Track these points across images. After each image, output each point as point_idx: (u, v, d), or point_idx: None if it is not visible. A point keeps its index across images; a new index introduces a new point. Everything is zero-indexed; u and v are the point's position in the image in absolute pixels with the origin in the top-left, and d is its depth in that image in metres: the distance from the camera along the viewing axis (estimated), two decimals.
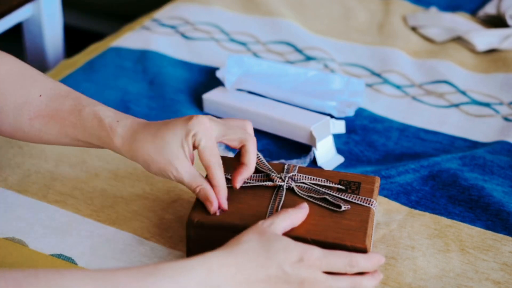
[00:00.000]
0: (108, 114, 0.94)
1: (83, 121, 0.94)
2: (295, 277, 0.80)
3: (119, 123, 0.93)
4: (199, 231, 0.90)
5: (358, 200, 0.93)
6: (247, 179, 0.95)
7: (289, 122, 1.17)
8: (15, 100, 0.95)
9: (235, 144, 0.93)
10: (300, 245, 0.81)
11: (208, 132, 0.90)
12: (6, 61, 0.98)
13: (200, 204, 0.92)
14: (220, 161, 0.91)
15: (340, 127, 1.17)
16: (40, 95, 0.95)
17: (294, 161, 1.12)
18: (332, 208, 0.91)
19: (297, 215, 0.87)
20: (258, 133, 1.21)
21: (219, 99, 1.24)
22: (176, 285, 0.76)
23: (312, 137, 1.14)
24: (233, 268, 0.78)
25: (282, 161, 1.14)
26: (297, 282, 0.80)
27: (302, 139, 1.16)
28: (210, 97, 1.25)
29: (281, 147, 1.18)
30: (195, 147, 0.91)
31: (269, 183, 0.94)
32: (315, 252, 0.81)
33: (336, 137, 1.20)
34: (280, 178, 0.95)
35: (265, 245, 0.80)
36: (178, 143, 0.90)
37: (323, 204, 0.92)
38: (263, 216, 0.90)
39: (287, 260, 0.79)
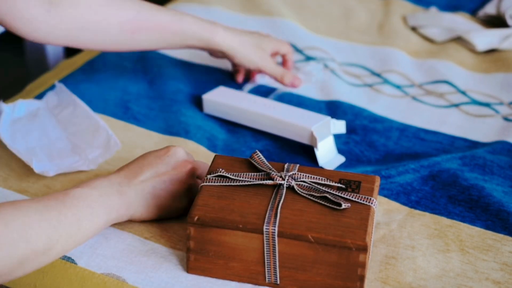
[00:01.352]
0: (204, 20, 1.23)
1: (183, 28, 1.19)
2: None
3: (218, 24, 1.24)
4: (199, 229, 0.90)
5: (358, 199, 0.93)
6: (248, 178, 0.95)
7: (289, 122, 1.17)
8: (116, 18, 1.14)
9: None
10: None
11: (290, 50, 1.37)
12: None
13: (200, 202, 0.92)
14: None
15: (340, 127, 1.17)
16: (138, 12, 1.15)
17: None
18: (333, 206, 0.91)
19: None
20: (258, 133, 1.22)
21: (219, 99, 1.24)
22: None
23: (313, 137, 1.14)
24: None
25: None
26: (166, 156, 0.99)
27: (303, 139, 1.16)
28: (210, 97, 1.25)
29: (281, 147, 1.18)
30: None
31: (269, 182, 0.95)
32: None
33: (336, 137, 1.20)
34: (280, 176, 0.95)
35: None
36: (269, 45, 1.30)
37: (323, 203, 0.92)
38: (263, 214, 0.90)
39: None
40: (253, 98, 1.24)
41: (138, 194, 0.95)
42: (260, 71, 1.28)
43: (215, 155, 1.00)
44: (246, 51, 1.24)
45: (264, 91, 1.32)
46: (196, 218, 0.90)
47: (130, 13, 1.14)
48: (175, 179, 0.98)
